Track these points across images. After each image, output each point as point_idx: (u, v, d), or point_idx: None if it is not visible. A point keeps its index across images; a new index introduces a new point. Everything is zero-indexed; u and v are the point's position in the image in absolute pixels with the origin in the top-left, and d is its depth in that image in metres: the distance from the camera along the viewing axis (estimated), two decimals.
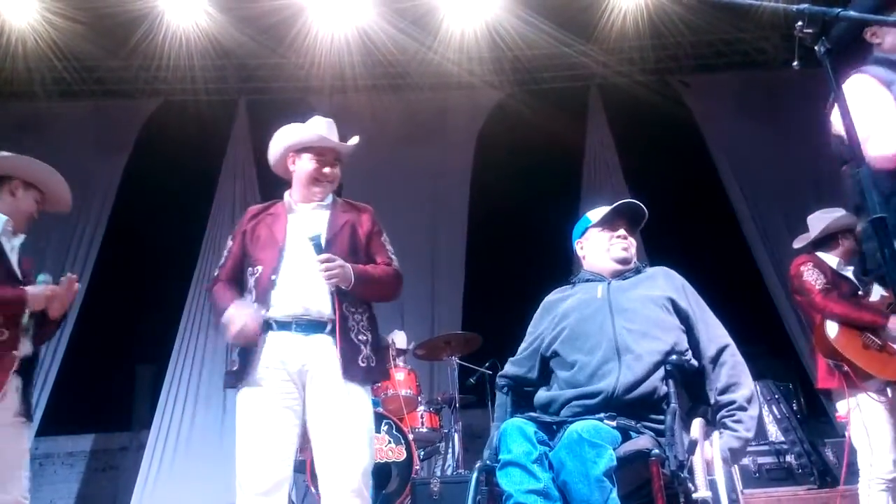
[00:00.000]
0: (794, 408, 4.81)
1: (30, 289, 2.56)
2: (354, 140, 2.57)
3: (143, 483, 5.80)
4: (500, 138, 7.24)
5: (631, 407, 1.95)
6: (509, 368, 2.34)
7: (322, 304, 2.35)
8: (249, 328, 2.28)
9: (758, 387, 4.77)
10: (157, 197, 6.56)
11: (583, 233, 2.43)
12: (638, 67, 7.27)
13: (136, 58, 6.82)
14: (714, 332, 2.12)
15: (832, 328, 3.04)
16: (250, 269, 2.43)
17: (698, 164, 7.22)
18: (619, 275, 2.31)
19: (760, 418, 4.70)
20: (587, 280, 2.34)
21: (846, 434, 3.28)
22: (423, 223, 7.07)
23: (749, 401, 1.99)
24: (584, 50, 7.03)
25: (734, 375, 2.04)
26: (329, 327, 2.33)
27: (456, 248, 7.09)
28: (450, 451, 4.72)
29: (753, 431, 1.98)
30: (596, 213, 2.43)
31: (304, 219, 2.48)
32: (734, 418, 1.98)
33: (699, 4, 6.21)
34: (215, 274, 2.55)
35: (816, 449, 4.44)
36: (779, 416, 4.65)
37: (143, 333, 7.16)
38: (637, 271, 2.32)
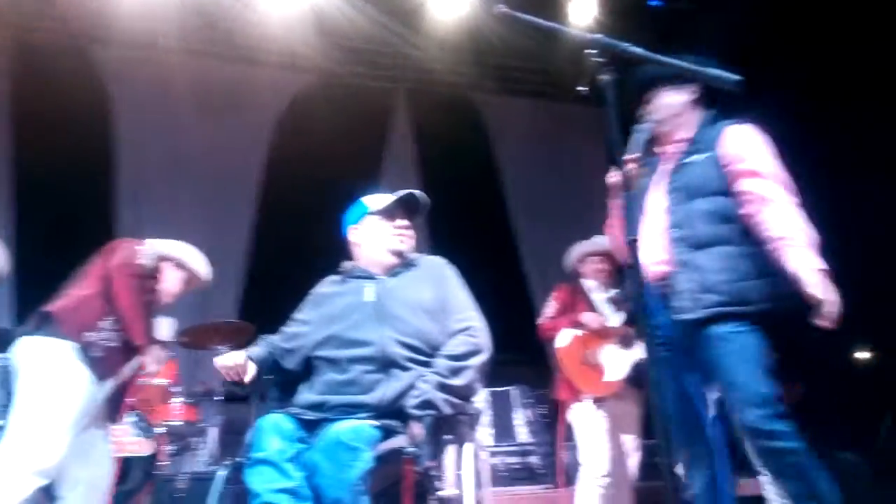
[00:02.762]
0: (546, 412, 5.24)
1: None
2: None
3: None
4: (301, 124, 6.98)
5: (395, 413, 1.95)
6: (279, 357, 2.24)
7: None
8: None
9: (515, 391, 5.15)
10: None
11: (358, 220, 2.34)
12: (448, 79, 7.47)
13: None
14: (459, 316, 2.15)
15: (562, 339, 3.41)
16: None
17: (489, 181, 7.63)
18: (390, 270, 2.26)
19: (504, 419, 5.03)
20: (357, 277, 2.26)
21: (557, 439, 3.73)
22: (203, 200, 6.53)
23: (453, 371, 2.00)
24: (402, 52, 7.09)
25: (454, 347, 2.07)
26: None
27: (240, 232, 6.68)
28: (205, 445, 4.42)
29: (442, 393, 1.93)
30: (374, 200, 2.34)
31: None
32: (424, 378, 2.00)
33: (514, 27, 6.51)
34: None
35: (557, 451, 4.88)
36: (531, 420, 5.03)
37: None
38: (408, 265, 2.28)
